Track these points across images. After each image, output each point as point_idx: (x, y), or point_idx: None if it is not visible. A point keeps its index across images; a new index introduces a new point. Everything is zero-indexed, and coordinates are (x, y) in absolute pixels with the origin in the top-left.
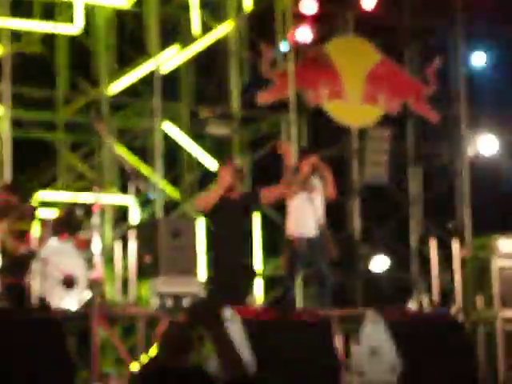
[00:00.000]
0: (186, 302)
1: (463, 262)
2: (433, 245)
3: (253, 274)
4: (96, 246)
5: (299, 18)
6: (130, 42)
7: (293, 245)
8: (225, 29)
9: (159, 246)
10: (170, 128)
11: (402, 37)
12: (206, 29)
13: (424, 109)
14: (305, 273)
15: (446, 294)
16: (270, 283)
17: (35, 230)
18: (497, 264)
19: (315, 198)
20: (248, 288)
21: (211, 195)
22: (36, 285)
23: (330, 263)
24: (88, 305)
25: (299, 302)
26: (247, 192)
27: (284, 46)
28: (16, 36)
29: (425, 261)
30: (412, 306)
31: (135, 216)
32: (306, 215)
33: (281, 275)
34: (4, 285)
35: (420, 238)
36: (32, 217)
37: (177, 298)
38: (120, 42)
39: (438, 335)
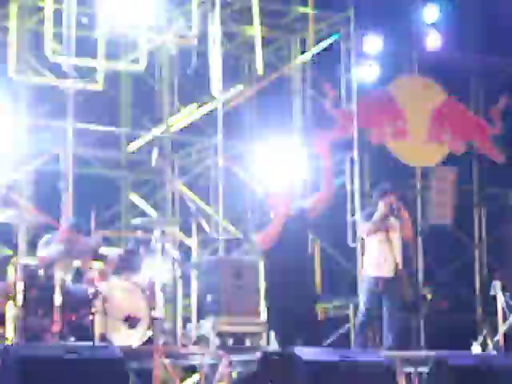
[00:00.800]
0: (247, 342)
1: None
2: (498, 286)
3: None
4: (158, 285)
5: (363, 57)
6: (193, 80)
7: (371, 284)
8: (289, 68)
9: (221, 286)
10: (232, 165)
11: (466, 77)
12: (270, 67)
13: (489, 149)
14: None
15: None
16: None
17: (97, 267)
18: None
19: (393, 238)
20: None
21: (272, 231)
22: (98, 322)
23: (402, 306)
24: (149, 343)
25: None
26: None
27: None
28: (80, 74)
29: (489, 303)
30: (476, 349)
31: (197, 255)
32: (383, 255)
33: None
34: (67, 322)
35: (484, 279)
36: (95, 254)
37: (238, 337)
38: (183, 81)
39: (503, 381)
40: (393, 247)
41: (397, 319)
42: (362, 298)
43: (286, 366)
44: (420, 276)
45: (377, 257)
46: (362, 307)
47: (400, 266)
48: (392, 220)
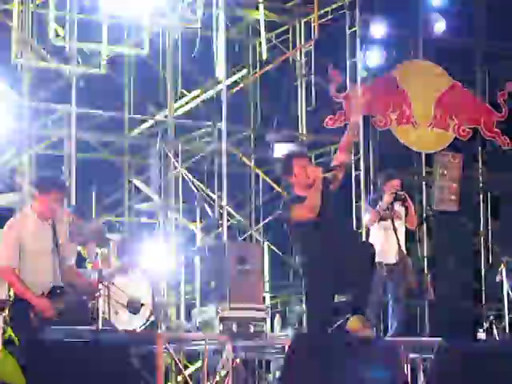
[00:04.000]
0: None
1: None
2: (504, 272)
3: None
4: (161, 270)
5: (369, 42)
6: (197, 65)
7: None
8: (292, 52)
9: (225, 271)
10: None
11: (472, 61)
12: (274, 52)
13: (495, 134)
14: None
15: None
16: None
17: (100, 252)
18: None
19: (398, 226)
20: None
21: (312, 201)
22: (100, 307)
23: (408, 294)
24: (152, 328)
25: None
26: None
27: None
28: (83, 58)
29: (495, 289)
30: (482, 335)
31: (201, 241)
32: (388, 243)
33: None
34: (70, 304)
35: (490, 265)
36: (97, 240)
37: (242, 323)
38: (187, 66)
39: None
40: (398, 235)
41: (401, 306)
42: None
43: None
44: (425, 263)
45: (382, 244)
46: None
47: (405, 254)
48: (397, 207)
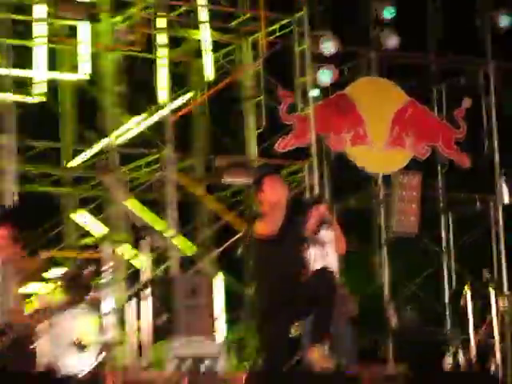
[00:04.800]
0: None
1: (502, 314)
2: (468, 296)
3: None
4: (108, 307)
5: (319, 59)
6: (139, 89)
7: None
8: (240, 73)
9: (175, 305)
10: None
11: (428, 77)
12: (221, 74)
13: (454, 153)
14: None
15: (484, 349)
16: None
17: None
18: None
19: (327, 253)
20: None
21: (276, 216)
22: (46, 348)
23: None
24: (100, 369)
25: None
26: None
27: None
28: (19, 86)
29: (460, 314)
30: (447, 363)
31: (149, 274)
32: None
33: None
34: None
35: (454, 289)
36: (40, 276)
37: (195, 360)
38: (129, 90)
39: None
40: (328, 262)
41: (348, 338)
42: None
43: None
44: (386, 290)
45: None
46: None
47: (339, 283)
48: (325, 233)
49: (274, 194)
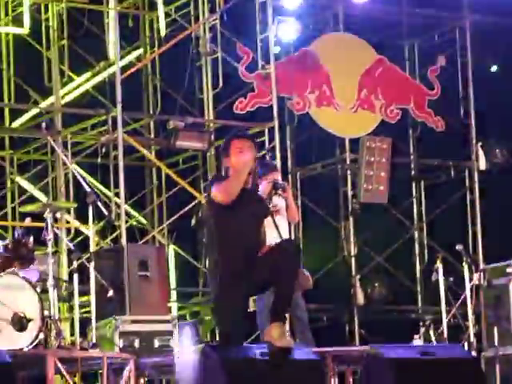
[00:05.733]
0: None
1: (476, 290)
2: (440, 271)
3: None
4: (51, 280)
5: (281, 13)
6: (86, 45)
7: None
8: (195, 27)
9: (124, 279)
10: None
11: (400, 34)
12: (174, 29)
13: (427, 116)
14: None
15: (457, 327)
16: None
17: None
18: None
19: (280, 221)
20: None
21: (235, 182)
22: None
23: (304, 294)
24: (42, 347)
25: None
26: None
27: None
28: None
29: (431, 289)
30: (418, 341)
31: (95, 244)
32: (273, 242)
33: None
34: None
35: (425, 262)
36: None
37: (145, 337)
38: (75, 46)
39: (448, 374)
40: (280, 231)
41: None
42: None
43: None
44: (353, 263)
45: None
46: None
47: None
48: (276, 200)
49: (241, 159)
